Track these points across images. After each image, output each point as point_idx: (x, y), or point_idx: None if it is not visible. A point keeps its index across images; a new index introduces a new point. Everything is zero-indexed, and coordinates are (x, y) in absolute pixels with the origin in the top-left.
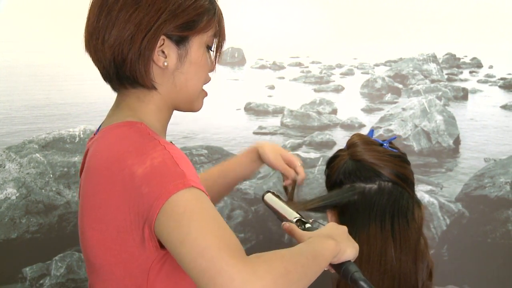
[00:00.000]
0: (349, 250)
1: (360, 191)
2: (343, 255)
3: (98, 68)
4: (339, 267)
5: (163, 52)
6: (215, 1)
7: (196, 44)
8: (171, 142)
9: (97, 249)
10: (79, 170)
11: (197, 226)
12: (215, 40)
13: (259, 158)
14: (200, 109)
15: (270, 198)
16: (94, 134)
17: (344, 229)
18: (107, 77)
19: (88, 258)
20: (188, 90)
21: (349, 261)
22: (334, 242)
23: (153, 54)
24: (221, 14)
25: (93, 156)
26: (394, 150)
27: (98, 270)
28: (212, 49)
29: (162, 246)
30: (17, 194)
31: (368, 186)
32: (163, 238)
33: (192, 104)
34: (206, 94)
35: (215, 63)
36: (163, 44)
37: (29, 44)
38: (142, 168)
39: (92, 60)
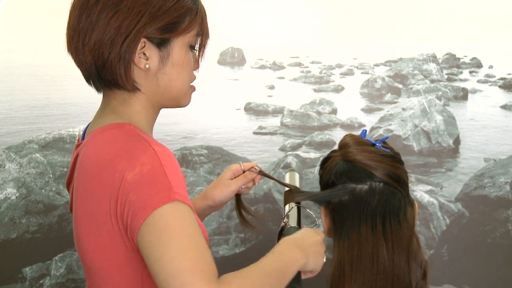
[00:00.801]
0: (312, 264)
1: (351, 192)
2: (306, 268)
3: (80, 70)
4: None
5: (144, 54)
6: (197, 0)
7: (178, 45)
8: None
9: (93, 254)
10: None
11: (176, 246)
12: (198, 39)
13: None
14: (187, 104)
15: (286, 178)
16: (80, 140)
17: (317, 239)
18: (89, 79)
19: (85, 262)
20: (172, 90)
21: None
22: (303, 255)
23: (134, 57)
24: (204, 12)
25: (84, 161)
26: (387, 150)
27: (95, 274)
28: (196, 48)
29: None
30: (17, 194)
31: (359, 186)
32: (142, 250)
33: (178, 102)
34: (194, 89)
35: (199, 62)
36: (144, 46)
37: (29, 44)
38: (132, 174)
39: (74, 62)
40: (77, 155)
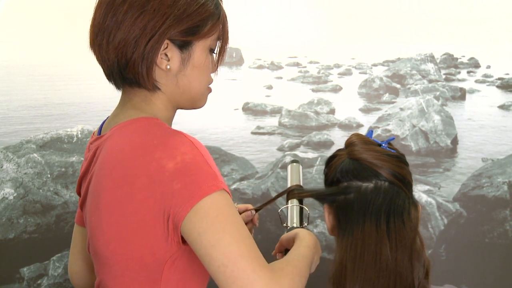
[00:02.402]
0: (316, 262)
1: (356, 190)
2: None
3: (102, 67)
4: None
5: (166, 55)
6: (220, 5)
7: (199, 48)
8: None
9: (115, 244)
10: (79, 170)
11: (231, 232)
12: (218, 43)
13: None
14: (203, 106)
15: (292, 170)
16: (96, 134)
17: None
18: (110, 76)
19: (103, 255)
20: (191, 91)
21: None
22: (317, 256)
23: (156, 57)
24: (226, 17)
25: (111, 152)
26: (393, 151)
27: (112, 266)
28: (215, 51)
29: (184, 241)
30: (15, 194)
31: (365, 184)
32: (191, 237)
33: (195, 103)
34: (210, 91)
35: (218, 65)
36: (166, 47)
37: (27, 44)
38: (173, 162)
39: (97, 59)
40: (96, 149)
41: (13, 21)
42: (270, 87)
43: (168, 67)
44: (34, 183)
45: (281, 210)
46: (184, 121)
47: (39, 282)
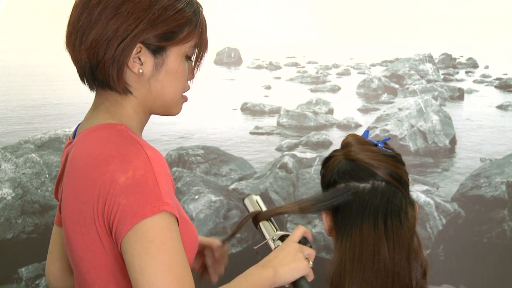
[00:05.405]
0: (288, 274)
1: (354, 191)
2: (281, 280)
3: (76, 67)
4: (294, 283)
5: (139, 59)
6: (199, 12)
7: (174, 54)
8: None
9: (82, 253)
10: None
11: (162, 259)
12: (196, 51)
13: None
14: (177, 114)
15: (250, 202)
16: (71, 139)
17: (288, 250)
18: (83, 77)
19: (75, 262)
20: (164, 97)
21: (303, 278)
22: (272, 271)
23: (128, 60)
24: (205, 25)
25: (73, 160)
26: (389, 151)
27: (84, 274)
28: (192, 59)
29: None
30: (13, 194)
31: (362, 185)
32: (126, 256)
33: (169, 110)
34: (186, 99)
35: (194, 73)
36: (139, 51)
37: (25, 44)
38: (124, 177)
39: (71, 58)
40: (67, 154)
41: (12, 22)
42: (268, 87)
43: (141, 71)
44: (33, 183)
45: (257, 247)
46: (183, 121)
47: (37, 282)
